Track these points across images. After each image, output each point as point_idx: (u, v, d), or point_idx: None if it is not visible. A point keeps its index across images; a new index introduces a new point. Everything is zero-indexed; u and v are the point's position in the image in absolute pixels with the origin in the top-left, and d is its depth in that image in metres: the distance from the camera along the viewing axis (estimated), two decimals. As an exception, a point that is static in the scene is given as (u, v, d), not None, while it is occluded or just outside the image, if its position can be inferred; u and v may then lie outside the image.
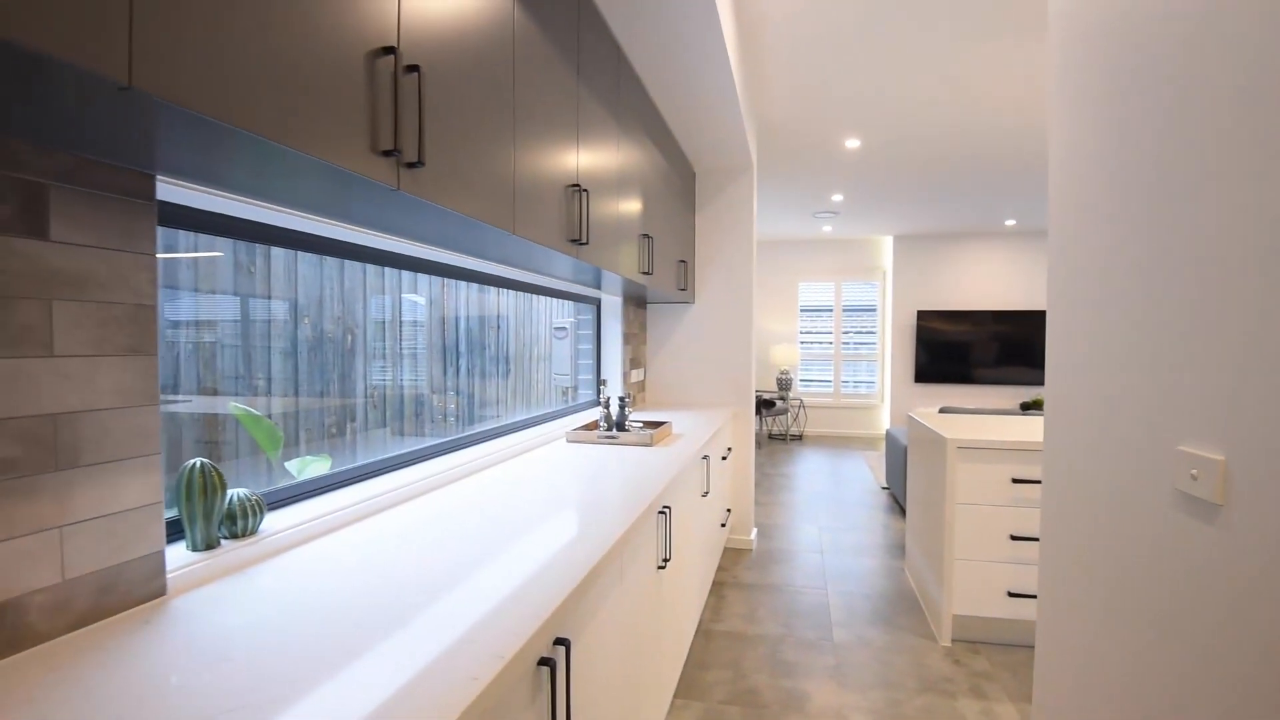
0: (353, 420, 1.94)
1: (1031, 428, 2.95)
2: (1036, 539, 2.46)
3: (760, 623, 2.94)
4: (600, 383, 3.53)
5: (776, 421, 8.57)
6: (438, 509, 1.59)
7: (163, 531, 1.00)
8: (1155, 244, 1.11)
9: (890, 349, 8.37)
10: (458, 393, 2.46)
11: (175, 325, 1.41)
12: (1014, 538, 2.62)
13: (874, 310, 8.81)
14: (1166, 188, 1.08)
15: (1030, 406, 7.57)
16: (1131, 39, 1.19)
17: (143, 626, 0.91)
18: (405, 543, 1.31)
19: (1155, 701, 1.10)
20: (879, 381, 8.77)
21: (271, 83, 0.78)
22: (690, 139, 3.51)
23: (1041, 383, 1.58)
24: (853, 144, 4.56)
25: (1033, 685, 1.60)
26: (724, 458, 3.55)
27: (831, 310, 8.87)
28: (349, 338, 1.89)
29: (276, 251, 1.64)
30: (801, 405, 8.70)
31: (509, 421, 2.67)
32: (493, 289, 2.68)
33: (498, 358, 2.76)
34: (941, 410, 4.52)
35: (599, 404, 3.54)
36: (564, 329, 3.50)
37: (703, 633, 2.83)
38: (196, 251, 1.44)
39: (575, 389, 3.57)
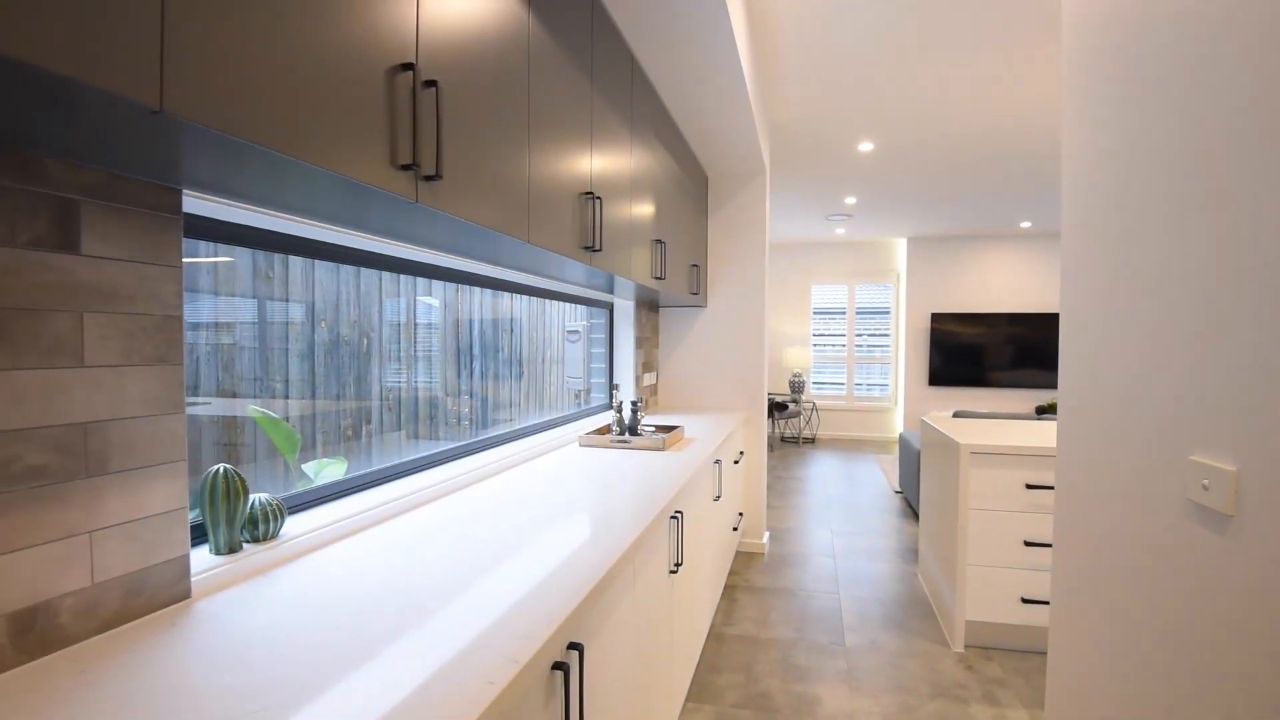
0: (368, 423, 1.96)
1: (1046, 433, 2.93)
2: (1050, 545, 2.45)
3: (772, 627, 2.94)
4: (613, 386, 3.55)
5: (789, 424, 8.55)
6: (452, 513, 1.61)
7: (187, 536, 1.02)
8: (1168, 251, 1.11)
9: (904, 352, 8.33)
10: (471, 395, 2.49)
11: (194, 328, 1.44)
12: (1028, 543, 2.61)
13: (887, 313, 8.77)
14: (1179, 194, 1.08)
15: (1046, 410, 7.51)
16: (1144, 44, 1.19)
17: (169, 629, 0.93)
18: (421, 546, 1.33)
19: (1164, 709, 1.10)
20: (892, 384, 8.73)
21: (295, 102, 0.80)
22: (703, 144, 3.52)
23: (1057, 386, 1.57)
24: (866, 147, 4.55)
25: (1045, 692, 1.60)
26: (736, 461, 3.55)
27: (844, 312, 8.84)
28: (365, 341, 1.92)
29: (294, 257, 1.67)
30: (814, 408, 8.67)
31: (522, 426, 2.69)
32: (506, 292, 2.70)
33: (511, 360, 2.78)
34: (955, 414, 4.50)
35: (611, 408, 3.56)
36: (577, 332, 3.52)
37: (715, 636, 2.84)
38: (203, 256, 1.46)
39: (588, 392, 3.59)
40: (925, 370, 8.24)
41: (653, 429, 2.95)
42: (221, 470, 1.15)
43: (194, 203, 1.12)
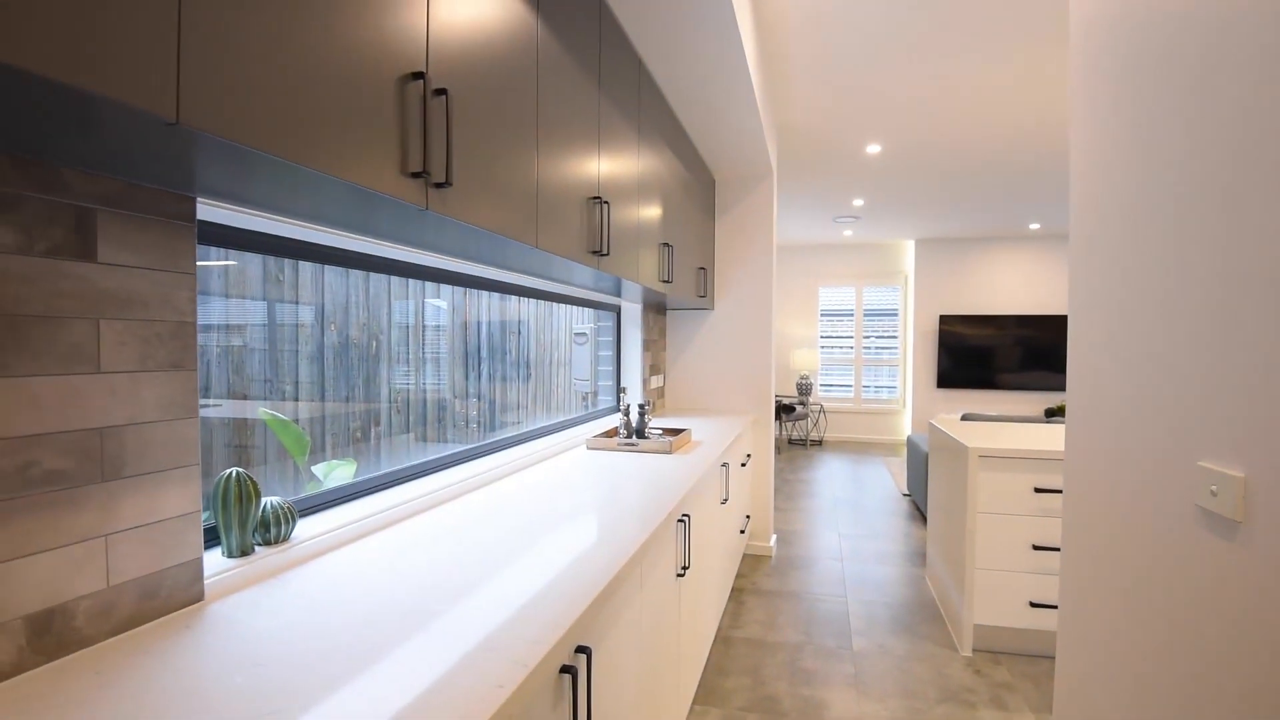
0: (377, 425, 1.98)
1: (1055, 436, 2.92)
2: (1058, 549, 2.44)
3: (780, 630, 2.94)
4: (620, 390, 3.56)
5: (796, 427, 8.54)
6: (461, 516, 1.62)
7: (201, 539, 1.04)
8: (1176, 255, 1.11)
9: (912, 354, 8.30)
10: (479, 397, 2.50)
11: (205, 330, 1.46)
12: (1036, 547, 2.60)
13: (895, 314, 8.75)
14: (1188, 198, 1.08)
15: (1055, 413, 7.47)
16: (1152, 46, 1.19)
17: (183, 631, 0.94)
18: (430, 549, 1.34)
19: (1172, 714, 1.09)
20: (900, 386, 8.70)
21: (307, 112, 0.82)
22: (710, 147, 3.53)
23: (1066, 389, 1.57)
24: (873, 149, 4.54)
25: (1054, 697, 1.60)
26: (743, 464, 3.55)
27: (852, 314, 8.82)
28: (373, 343, 1.94)
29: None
30: (822, 410, 8.66)
31: (530, 429, 2.70)
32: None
33: (518, 362, 2.79)
34: (964, 417, 4.48)
35: (619, 410, 3.57)
36: (584, 334, 3.53)
37: (722, 639, 2.84)
38: (212, 260, 1.48)
39: (595, 394, 3.60)
40: (933, 372, 8.21)
41: (660, 432, 2.95)
42: (234, 474, 1.16)
43: (207, 210, 1.13)
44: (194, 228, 1.01)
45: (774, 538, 4.12)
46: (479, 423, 2.50)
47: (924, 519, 4.75)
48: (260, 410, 1.59)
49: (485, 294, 2.51)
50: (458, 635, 0.94)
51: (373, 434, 1.96)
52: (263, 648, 0.90)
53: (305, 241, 1.48)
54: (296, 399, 1.70)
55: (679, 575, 1.91)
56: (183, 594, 1.01)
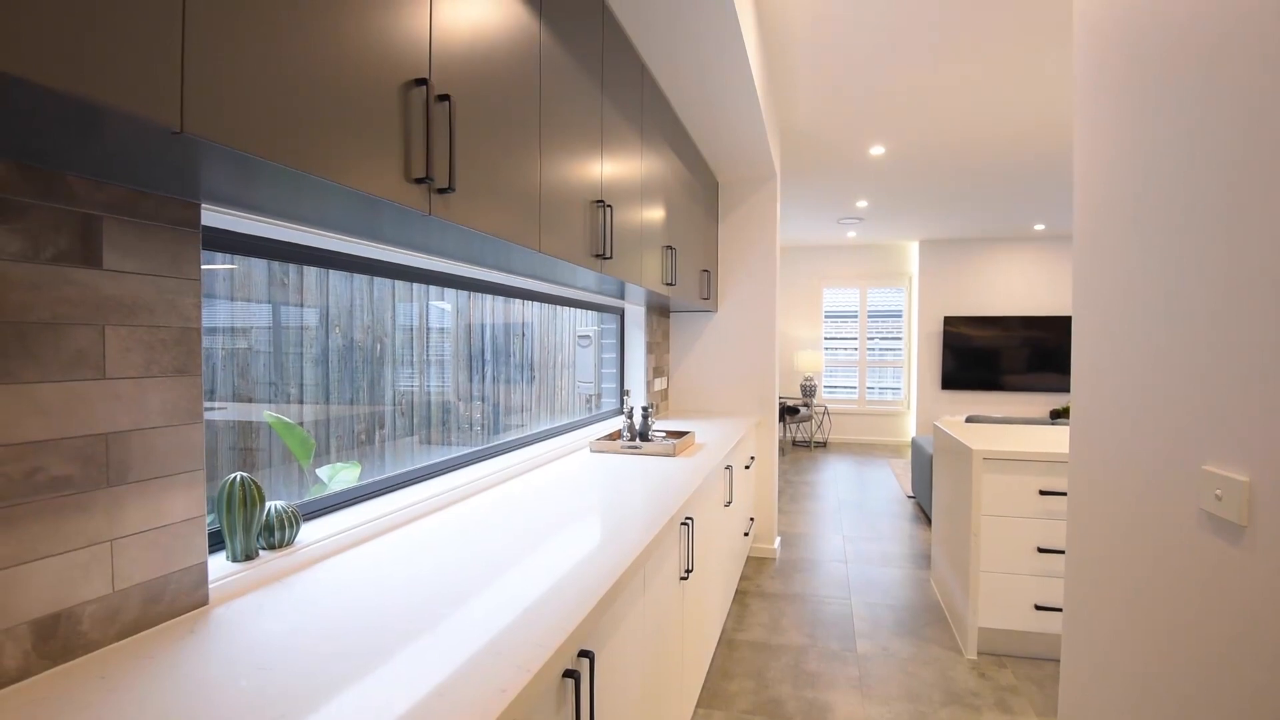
0: (381, 427, 1.98)
1: (1060, 438, 2.91)
2: (1063, 552, 2.43)
3: (784, 633, 2.94)
4: (624, 392, 3.56)
5: (800, 428, 8.53)
6: (464, 519, 1.62)
7: (205, 543, 1.04)
8: (1181, 258, 1.11)
9: (916, 355, 8.28)
10: (483, 400, 2.50)
11: (210, 333, 1.46)
12: (1041, 550, 2.59)
13: (900, 316, 8.73)
14: (1193, 199, 1.08)
15: (1060, 414, 7.44)
16: (1157, 47, 1.19)
17: (187, 635, 0.95)
18: (433, 553, 1.35)
19: (1176, 718, 1.09)
20: (905, 388, 8.68)
21: (311, 120, 0.82)
22: (713, 149, 3.53)
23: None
24: (877, 151, 4.54)
25: (1058, 700, 1.59)
26: (747, 466, 3.55)
27: (856, 316, 8.81)
28: (378, 346, 1.94)
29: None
30: (826, 412, 8.65)
31: (533, 431, 2.71)
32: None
33: (523, 365, 2.80)
34: (968, 419, 4.47)
35: (622, 413, 3.57)
36: (588, 337, 3.53)
37: (726, 642, 2.84)
38: (213, 264, 1.49)
39: (599, 396, 3.60)
40: (938, 374, 8.19)
41: (663, 434, 2.95)
42: (238, 478, 1.16)
43: (211, 216, 1.14)
44: (199, 234, 1.01)
45: (778, 540, 4.12)
46: (483, 425, 2.50)
47: (928, 521, 4.74)
48: (265, 413, 1.59)
49: (489, 297, 2.51)
50: (461, 640, 0.94)
51: (377, 437, 1.96)
52: (267, 652, 0.91)
53: (309, 246, 1.49)
54: (301, 402, 1.70)
55: (682, 578, 1.90)
56: (187, 598, 1.02)
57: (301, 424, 1.70)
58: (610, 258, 1.95)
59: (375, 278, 1.90)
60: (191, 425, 1.01)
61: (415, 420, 2.13)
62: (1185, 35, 1.10)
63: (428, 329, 2.19)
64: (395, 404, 2.03)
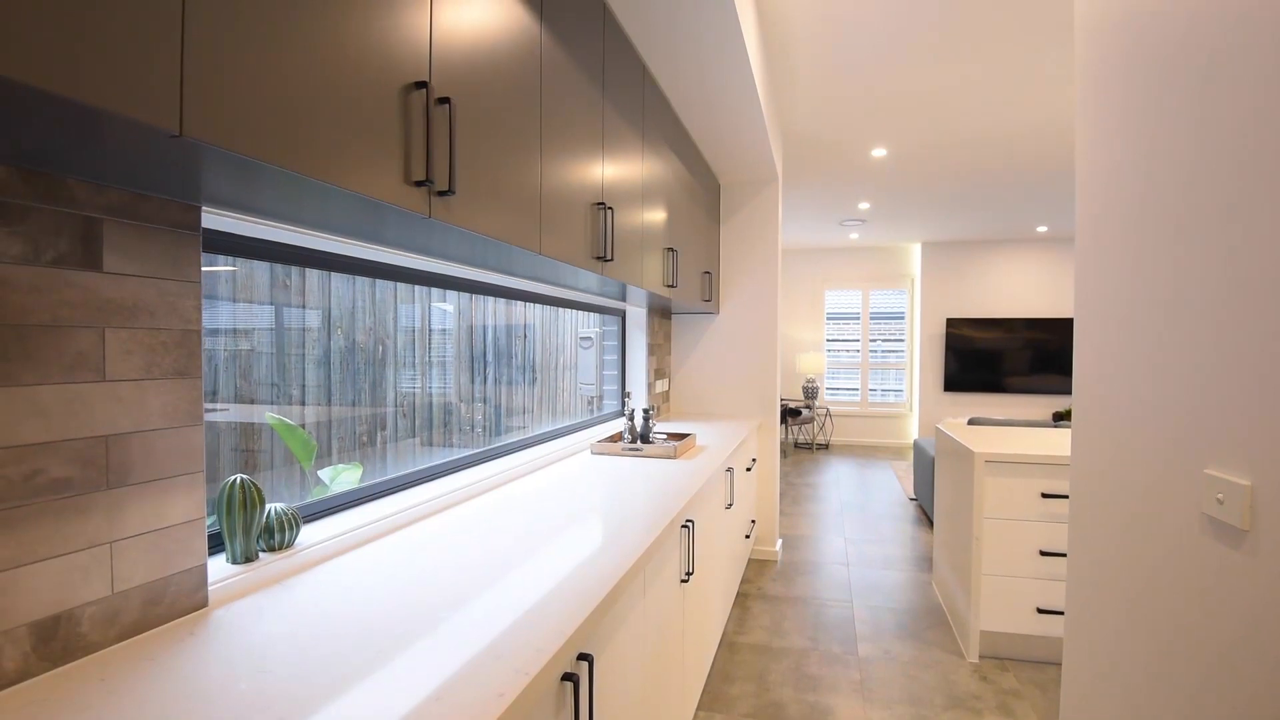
0: (383, 429, 1.98)
1: (1062, 441, 2.90)
2: (1065, 555, 2.42)
3: (785, 635, 2.93)
4: (625, 394, 3.56)
5: (802, 430, 8.52)
6: (464, 522, 1.62)
7: (205, 545, 1.04)
8: (1183, 260, 1.11)
9: (919, 357, 8.27)
10: (485, 401, 2.50)
11: (212, 334, 1.47)
12: (1043, 553, 2.58)
13: (902, 317, 8.72)
14: (1195, 201, 1.07)
15: (1063, 416, 7.43)
16: (1158, 49, 1.18)
17: (187, 637, 0.95)
18: (433, 555, 1.35)
19: (1183, 728, 1.08)
20: (907, 390, 8.67)
21: (311, 123, 0.82)
22: (715, 153, 3.53)
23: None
24: (879, 153, 4.54)
25: (1060, 704, 1.58)
26: (749, 469, 3.55)
27: (859, 318, 8.80)
28: (380, 347, 1.94)
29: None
30: (828, 414, 8.64)
31: (535, 433, 2.71)
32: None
33: (524, 367, 2.80)
34: (970, 421, 4.46)
35: (624, 415, 3.57)
36: (589, 339, 3.53)
37: (727, 645, 2.84)
38: (215, 266, 1.49)
39: (600, 398, 3.60)
40: (940, 376, 8.17)
41: (664, 436, 2.95)
42: (238, 480, 1.17)
43: (212, 218, 1.14)
44: (199, 236, 1.02)
45: (779, 542, 4.11)
46: (484, 427, 2.50)
47: (930, 524, 4.73)
48: (267, 415, 1.59)
49: (491, 298, 2.51)
50: (460, 643, 0.94)
51: (379, 438, 1.96)
52: (266, 654, 0.91)
53: (311, 249, 1.49)
54: (303, 403, 1.71)
55: (683, 581, 1.90)
56: (187, 600, 1.02)
57: (303, 426, 1.70)
58: (611, 260, 1.95)
59: (377, 280, 1.90)
60: (192, 427, 1.01)
61: (417, 422, 2.13)
62: (1187, 35, 1.09)
63: (430, 330, 2.19)
64: (397, 405, 2.03)
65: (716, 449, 2.76)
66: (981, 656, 2.71)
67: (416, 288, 2.08)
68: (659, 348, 3.93)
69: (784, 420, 7.68)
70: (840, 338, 8.85)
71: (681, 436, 2.90)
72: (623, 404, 3.60)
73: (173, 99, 0.64)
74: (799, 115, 3.88)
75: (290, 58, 0.79)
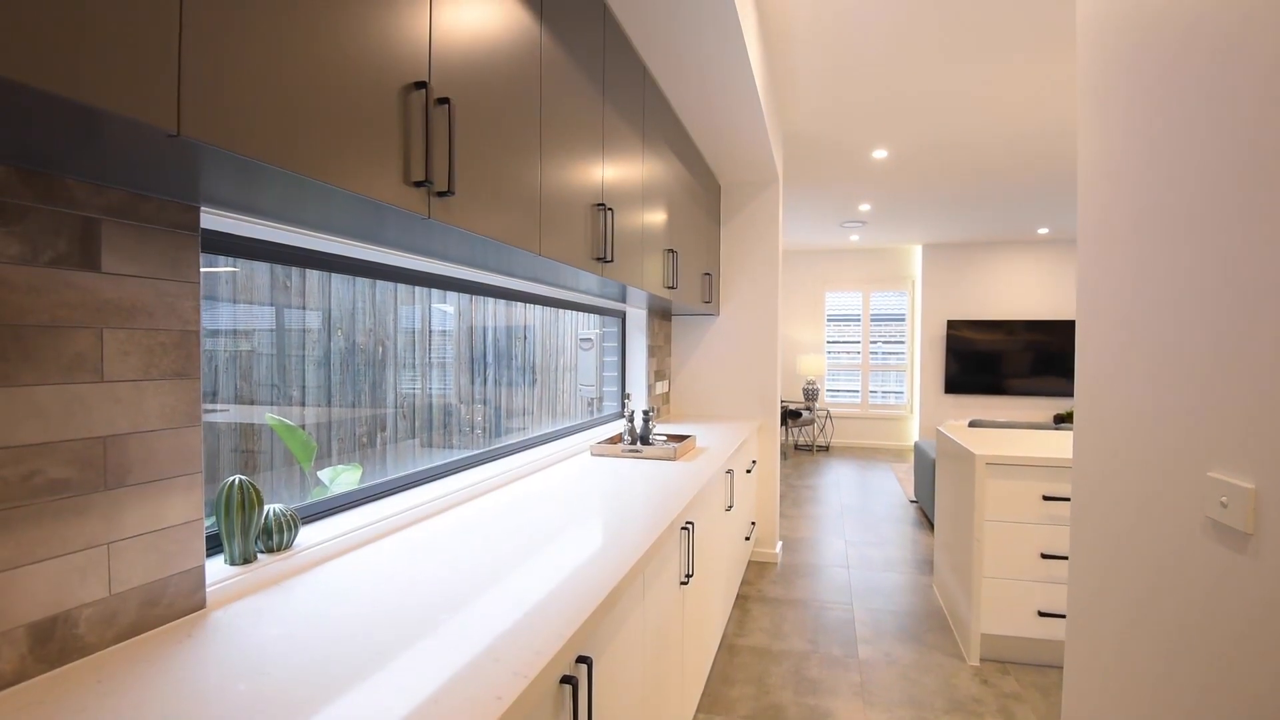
0: (383, 430, 1.98)
1: (1063, 443, 2.90)
2: (1067, 558, 2.41)
3: (785, 638, 2.93)
4: (625, 396, 3.55)
5: (803, 432, 8.51)
6: (464, 523, 1.62)
7: (203, 547, 1.04)
8: (1186, 262, 1.10)
9: (919, 359, 8.26)
10: (485, 403, 2.50)
11: (213, 335, 1.46)
12: (1045, 556, 2.58)
13: (903, 319, 8.71)
14: (1198, 203, 1.07)
15: (1064, 419, 7.42)
16: (1161, 50, 1.18)
17: (184, 639, 0.94)
18: (432, 557, 1.34)
19: (1185, 733, 1.08)
20: (908, 392, 8.66)
21: (309, 122, 0.82)
22: (715, 154, 3.53)
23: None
24: (880, 154, 4.53)
25: (1061, 707, 1.58)
26: (749, 470, 3.54)
27: (859, 319, 8.79)
28: (380, 349, 1.94)
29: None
30: (828, 416, 8.63)
31: (534, 435, 2.70)
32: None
33: (524, 368, 2.80)
34: (971, 423, 4.46)
35: (623, 416, 3.56)
36: (589, 340, 3.53)
37: (726, 647, 2.83)
38: (215, 267, 1.49)
39: (600, 400, 3.60)
40: (941, 377, 8.16)
41: (664, 438, 2.95)
42: (237, 481, 1.16)
43: (211, 219, 1.14)
44: (197, 237, 1.01)
45: (779, 545, 4.11)
46: (484, 428, 2.50)
47: (931, 526, 4.72)
48: (267, 416, 1.59)
49: (492, 299, 2.51)
50: (458, 645, 0.94)
51: (379, 439, 1.96)
52: (264, 656, 0.90)
53: (310, 250, 1.49)
54: (303, 404, 1.70)
55: (683, 583, 1.90)
56: (185, 602, 1.01)
57: (303, 426, 1.70)
58: (611, 261, 1.95)
59: (377, 280, 1.90)
60: (190, 428, 1.01)
61: (417, 423, 2.12)
62: (1189, 36, 1.09)
63: (430, 332, 2.19)
64: (397, 406, 2.02)
65: (716, 451, 2.76)
66: (982, 659, 2.70)
67: (417, 289, 2.08)
68: (659, 349, 3.93)
69: (784, 422, 7.67)
70: (841, 339, 8.85)
71: (681, 438, 2.90)
72: (623, 405, 3.60)
73: (170, 98, 0.64)
74: (800, 116, 3.88)
75: (288, 57, 0.79)
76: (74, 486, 0.86)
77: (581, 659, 1.05)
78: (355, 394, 1.86)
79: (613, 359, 3.64)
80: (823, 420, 8.60)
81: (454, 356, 2.31)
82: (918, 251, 8.42)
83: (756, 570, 3.82)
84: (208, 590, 1.06)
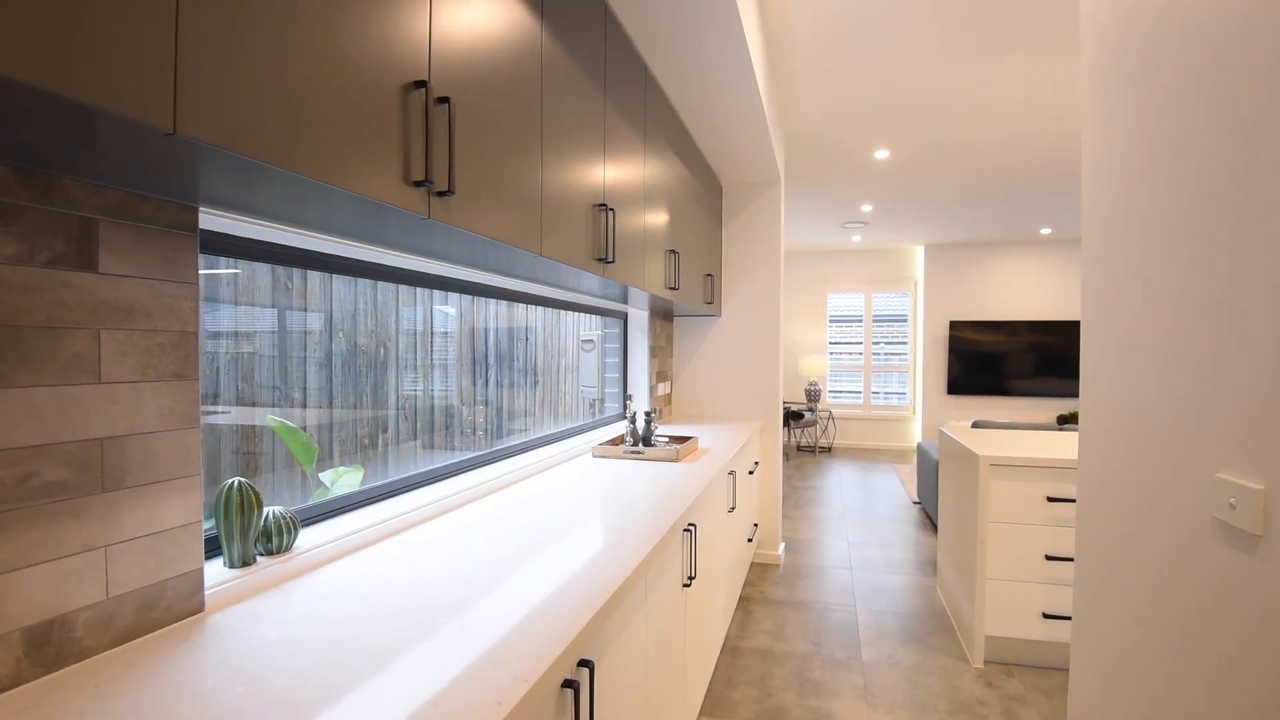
0: (385, 432, 1.97)
1: (1067, 444, 2.88)
2: (1072, 559, 2.40)
3: (788, 640, 2.91)
4: (627, 397, 3.55)
5: (805, 433, 8.49)
6: (465, 526, 1.61)
7: (201, 549, 1.03)
8: (1191, 262, 1.09)
9: (922, 360, 8.25)
10: (487, 404, 2.49)
11: (214, 336, 1.46)
12: (1049, 558, 2.56)
13: (905, 320, 8.69)
14: (1203, 201, 1.06)
15: (1068, 420, 7.40)
16: (1164, 49, 1.17)
17: (183, 642, 0.94)
18: (433, 559, 1.34)
19: (1194, 737, 1.07)
20: (910, 393, 8.64)
21: (307, 121, 0.81)
22: (717, 154, 3.52)
23: (1079, 396, 1.55)
24: (882, 155, 4.52)
25: (1067, 710, 1.57)
26: (751, 472, 3.53)
27: (861, 320, 8.77)
28: (381, 350, 1.94)
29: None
30: (830, 417, 8.61)
31: (536, 436, 2.69)
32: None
33: (526, 369, 2.79)
34: (974, 424, 4.44)
35: (625, 418, 3.55)
36: (591, 341, 3.52)
37: (729, 649, 2.82)
38: (217, 268, 1.48)
39: (602, 401, 3.59)
40: (944, 378, 8.15)
41: (666, 439, 2.94)
42: (236, 483, 1.15)
43: (210, 219, 1.14)
44: (196, 237, 1.01)
45: (782, 546, 4.09)
46: (486, 430, 2.49)
47: (934, 527, 4.71)
48: (269, 417, 1.59)
49: (493, 301, 2.51)
50: (458, 649, 0.93)
51: (380, 441, 1.95)
52: (263, 659, 0.89)
53: (310, 251, 1.48)
54: (305, 406, 1.70)
55: (685, 585, 1.89)
56: (183, 605, 1.01)
57: (305, 428, 1.69)
58: (613, 262, 1.94)
59: (379, 281, 1.89)
60: (189, 430, 1.00)
61: (418, 424, 2.12)
62: (1193, 36, 1.08)
63: (431, 333, 2.18)
64: (399, 408, 2.02)
65: (719, 452, 2.75)
66: (987, 662, 2.69)
67: (418, 290, 2.07)
68: (661, 350, 3.92)
69: (786, 423, 7.66)
70: (843, 340, 8.83)
71: (683, 439, 2.89)
72: (624, 407, 3.59)
73: (167, 97, 0.63)
74: (801, 116, 3.87)
75: (287, 55, 0.79)
76: (71, 489, 0.85)
77: (583, 662, 1.04)
78: (357, 395, 1.86)
79: (614, 360, 3.63)
80: (825, 421, 8.59)
81: (455, 358, 2.31)
82: (920, 252, 8.40)
83: (759, 572, 3.81)
84: (206, 593, 1.05)
